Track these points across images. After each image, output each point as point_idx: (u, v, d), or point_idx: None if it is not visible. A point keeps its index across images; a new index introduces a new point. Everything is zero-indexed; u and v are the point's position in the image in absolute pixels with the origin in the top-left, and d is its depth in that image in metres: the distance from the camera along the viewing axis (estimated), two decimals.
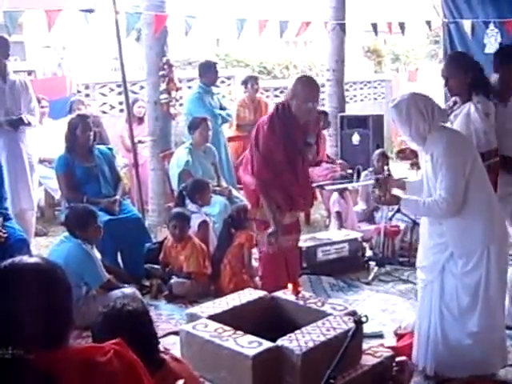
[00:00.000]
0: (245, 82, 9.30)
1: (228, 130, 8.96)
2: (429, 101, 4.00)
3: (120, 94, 10.17)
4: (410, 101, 3.96)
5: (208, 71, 8.17)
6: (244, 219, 5.78)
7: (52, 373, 1.93)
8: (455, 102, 4.68)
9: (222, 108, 8.24)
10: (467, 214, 3.88)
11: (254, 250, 5.79)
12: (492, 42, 10.39)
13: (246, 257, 5.82)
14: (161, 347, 2.98)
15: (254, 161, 4.88)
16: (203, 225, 6.23)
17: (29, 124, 6.34)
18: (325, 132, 9.07)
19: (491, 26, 10.32)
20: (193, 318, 4.05)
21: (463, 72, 4.50)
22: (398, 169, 8.49)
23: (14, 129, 6.24)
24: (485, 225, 3.90)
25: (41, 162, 7.84)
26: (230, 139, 8.69)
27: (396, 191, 4.40)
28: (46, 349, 1.98)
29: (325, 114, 8.72)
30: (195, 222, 6.15)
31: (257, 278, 5.68)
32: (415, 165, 6.95)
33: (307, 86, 4.85)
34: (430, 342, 4.05)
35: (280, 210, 4.96)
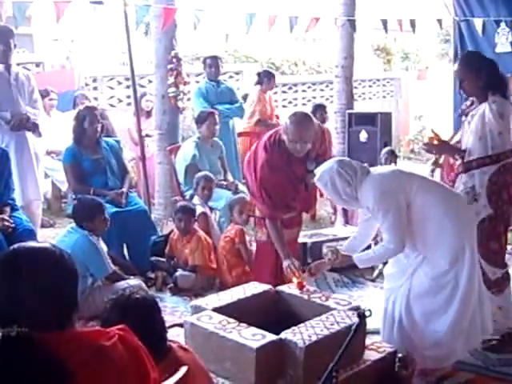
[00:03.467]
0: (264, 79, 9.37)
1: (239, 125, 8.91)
2: (349, 164, 4.09)
3: (128, 87, 10.17)
4: (331, 172, 4.05)
5: (209, 65, 8.16)
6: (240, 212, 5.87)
7: (58, 354, 1.94)
8: (472, 102, 4.67)
9: (232, 102, 8.20)
10: (431, 230, 3.95)
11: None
12: (503, 41, 10.35)
13: (243, 253, 5.85)
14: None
15: (257, 192, 4.90)
16: (202, 216, 6.24)
17: (33, 127, 6.29)
18: (330, 128, 9.06)
19: (502, 25, 10.27)
20: (197, 310, 4.06)
21: (476, 73, 4.49)
22: (406, 167, 8.48)
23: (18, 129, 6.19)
24: (453, 229, 3.94)
25: (48, 153, 7.86)
26: (240, 134, 8.66)
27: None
28: (51, 330, 2.00)
29: (322, 107, 8.71)
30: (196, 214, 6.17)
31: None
32: (436, 164, 7.01)
33: (296, 125, 4.67)
34: (404, 342, 4.09)
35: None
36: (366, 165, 4.18)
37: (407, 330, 4.08)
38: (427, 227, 3.95)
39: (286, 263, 4.67)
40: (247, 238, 6.02)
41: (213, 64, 8.16)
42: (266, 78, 9.35)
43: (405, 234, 3.94)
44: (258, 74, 9.56)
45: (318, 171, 4.15)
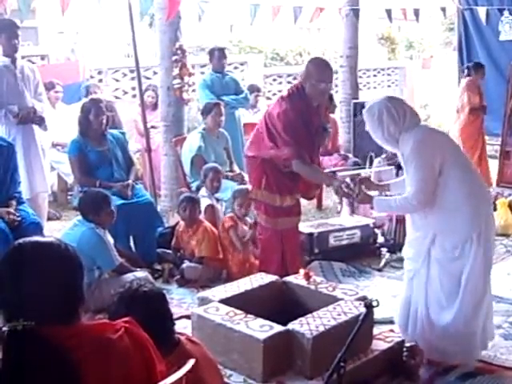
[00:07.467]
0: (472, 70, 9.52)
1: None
2: (401, 104, 4.07)
3: (133, 79, 10.17)
4: (382, 105, 4.03)
5: (214, 57, 8.14)
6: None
7: (64, 347, 1.96)
8: None
9: (237, 93, 8.18)
10: (448, 205, 3.92)
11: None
12: (507, 29, 10.35)
13: (234, 240, 5.83)
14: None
15: (280, 138, 4.90)
16: (209, 208, 6.24)
17: (40, 120, 6.31)
18: (335, 118, 9.07)
19: (506, 13, 10.29)
20: (204, 301, 4.07)
21: None
22: None
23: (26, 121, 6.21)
24: (468, 215, 3.92)
25: (54, 146, 7.87)
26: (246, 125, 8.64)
27: (373, 192, 4.49)
28: (57, 324, 2.01)
29: (330, 96, 8.67)
30: (202, 205, 6.18)
31: (252, 258, 5.82)
32: None
33: (320, 66, 4.92)
34: (417, 330, 4.11)
35: (280, 194, 5.05)
36: (418, 114, 4.13)
37: (421, 318, 4.07)
38: (446, 202, 3.90)
39: (336, 184, 4.62)
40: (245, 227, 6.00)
41: (222, 56, 8.13)
42: (473, 70, 9.48)
43: (430, 195, 3.90)
44: (467, 67, 9.70)
45: (369, 103, 4.14)
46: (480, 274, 3.96)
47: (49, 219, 7.07)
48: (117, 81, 10.79)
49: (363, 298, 3.93)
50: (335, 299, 4.03)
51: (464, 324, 3.98)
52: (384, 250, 6.29)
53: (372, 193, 4.43)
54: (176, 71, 7.44)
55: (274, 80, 13.25)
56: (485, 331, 4.14)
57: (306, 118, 4.96)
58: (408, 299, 4.19)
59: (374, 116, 4.01)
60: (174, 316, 3.09)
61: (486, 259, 3.98)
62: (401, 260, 5.98)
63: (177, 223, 6.17)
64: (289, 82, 13.07)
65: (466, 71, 9.57)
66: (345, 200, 7.29)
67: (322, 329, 3.61)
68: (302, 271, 4.40)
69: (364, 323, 2.94)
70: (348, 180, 4.51)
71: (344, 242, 6.33)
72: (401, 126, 3.97)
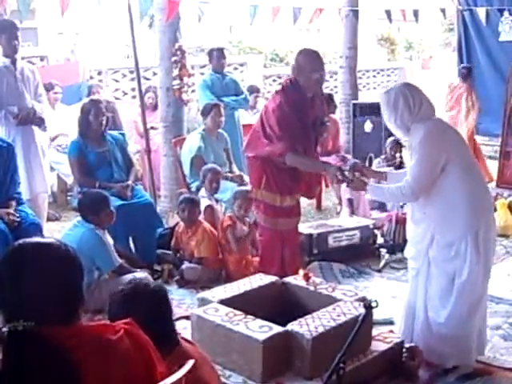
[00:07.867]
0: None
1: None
2: (419, 94, 4.05)
3: (132, 80, 10.18)
4: (399, 91, 4.02)
5: (213, 57, 8.14)
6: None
7: (64, 348, 1.96)
8: None
9: (237, 94, 8.18)
10: (446, 201, 3.90)
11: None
12: (507, 29, 10.36)
13: (230, 239, 5.84)
14: None
15: (273, 133, 4.89)
16: (208, 209, 6.24)
17: (40, 121, 6.31)
18: (336, 117, 9.07)
19: (506, 14, 10.30)
20: (204, 302, 4.07)
21: None
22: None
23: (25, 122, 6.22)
24: (465, 214, 3.89)
25: (51, 140, 7.86)
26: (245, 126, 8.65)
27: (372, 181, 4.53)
28: (57, 324, 2.01)
29: (330, 96, 8.67)
30: (202, 206, 6.18)
31: (249, 256, 5.83)
32: None
33: (310, 57, 4.92)
34: (415, 331, 4.10)
35: (280, 194, 5.07)
36: (434, 106, 4.13)
37: (421, 319, 4.07)
38: (444, 197, 3.89)
39: (331, 171, 4.62)
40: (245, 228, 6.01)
41: (221, 56, 8.13)
42: (469, 72, 9.72)
43: (425, 189, 3.90)
44: (467, 68, 9.90)
45: (389, 87, 4.14)
46: (478, 276, 3.93)
47: (48, 220, 7.08)
48: (116, 81, 10.81)
49: (362, 299, 3.93)
50: (334, 300, 4.03)
51: (459, 326, 3.96)
52: (383, 250, 6.29)
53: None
54: (175, 72, 7.45)
55: (274, 81, 13.27)
56: (481, 334, 4.13)
57: (301, 111, 4.96)
58: (412, 303, 4.18)
59: (390, 101, 4.00)
60: (174, 317, 3.09)
61: (485, 261, 3.95)
62: (400, 261, 6.03)
63: (176, 224, 6.18)
64: None
65: (467, 72, 9.62)
66: (344, 201, 7.32)
67: (321, 330, 3.61)
68: (301, 272, 4.40)
69: (363, 324, 2.94)
70: (344, 163, 4.52)
71: (343, 243, 6.33)
72: (414, 116, 3.95)
